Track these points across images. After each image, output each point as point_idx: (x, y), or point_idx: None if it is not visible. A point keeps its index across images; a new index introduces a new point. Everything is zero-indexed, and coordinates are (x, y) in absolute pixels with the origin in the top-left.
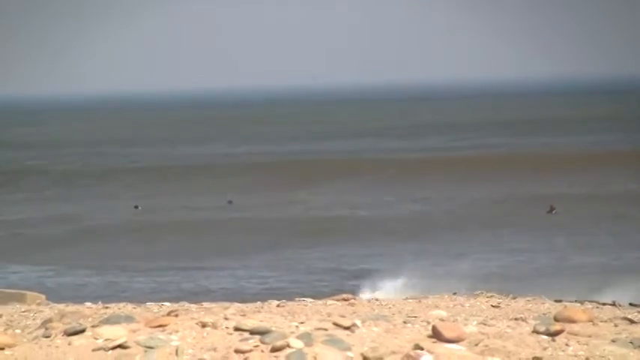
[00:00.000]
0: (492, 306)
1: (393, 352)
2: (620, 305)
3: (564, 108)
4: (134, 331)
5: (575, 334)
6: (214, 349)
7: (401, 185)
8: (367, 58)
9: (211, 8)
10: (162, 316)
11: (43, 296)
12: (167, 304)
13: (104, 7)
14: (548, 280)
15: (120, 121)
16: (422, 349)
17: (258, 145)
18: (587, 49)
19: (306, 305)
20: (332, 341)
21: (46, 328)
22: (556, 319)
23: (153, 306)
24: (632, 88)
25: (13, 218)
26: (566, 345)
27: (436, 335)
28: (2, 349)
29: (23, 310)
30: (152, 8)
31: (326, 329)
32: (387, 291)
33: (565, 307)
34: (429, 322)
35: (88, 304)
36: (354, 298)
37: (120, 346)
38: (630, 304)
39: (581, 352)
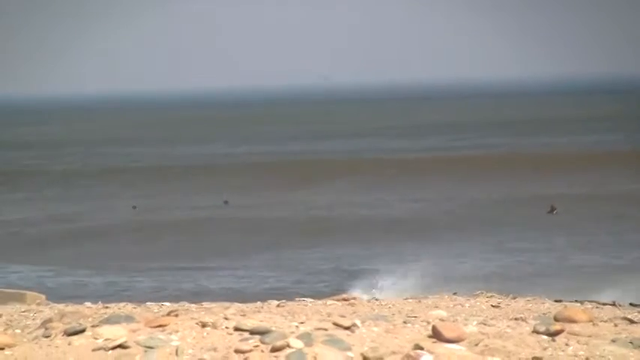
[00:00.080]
0: (492, 306)
1: (393, 352)
2: (620, 305)
3: (565, 108)
4: (134, 331)
5: (575, 334)
6: (214, 349)
7: (401, 185)
8: (368, 58)
9: (211, 8)
10: (163, 316)
11: (43, 296)
12: (167, 304)
13: (104, 6)
14: (549, 280)
15: (120, 121)
16: (422, 349)
17: (258, 144)
18: (588, 48)
19: (306, 305)
20: (332, 341)
21: (46, 328)
22: (556, 319)
23: (153, 306)
24: (633, 88)
25: (12, 218)
26: (566, 345)
27: (436, 335)
28: (2, 349)
29: (23, 310)
30: (152, 8)
31: (326, 329)
32: (387, 291)
33: (565, 307)
34: (429, 322)
35: (88, 304)
36: (354, 298)
37: (120, 346)
38: (630, 304)
39: (581, 352)
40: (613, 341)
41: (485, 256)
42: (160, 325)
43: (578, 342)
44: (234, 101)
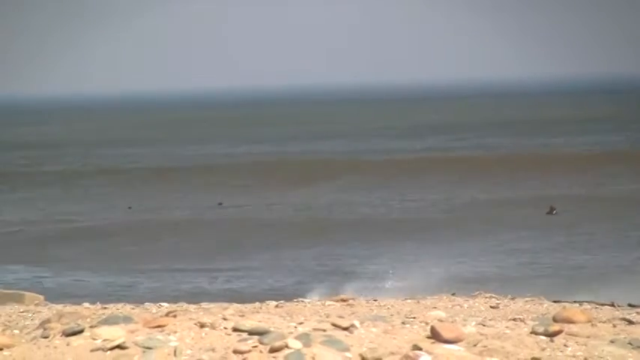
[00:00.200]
0: (491, 307)
1: (392, 353)
2: (619, 306)
3: (565, 108)
4: (132, 332)
5: (574, 335)
6: (213, 350)
7: (401, 185)
8: (367, 58)
9: (211, 8)
10: (161, 316)
11: (42, 297)
12: (165, 304)
13: (104, 7)
14: (547, 280)
15: (120, 121)
16: (420, 349)
17: (258, 144)
18: (588, 48)
19: (305, 306)
20: (330, 342)
21: (45, 329)
22: (555, 320)
23: (151, 306)
24: (633, 88)
25: (11, 218)
26: (565, 346)
27: (435, 336)
28: (1, 349)
29: (21, 310)
30: (152, 8)
31: (324, 330)
32: (386, 291)
33: (564, 307)
34: (427, 323)
35: (87, 304)
36: (353, 299)
37: (118, 347)
38: (629, 305)
39: (579, 353)
40: (612, 342)
41: (484, 257)
42: (158, 326)
43: (576, 343)
44: (234, 101)
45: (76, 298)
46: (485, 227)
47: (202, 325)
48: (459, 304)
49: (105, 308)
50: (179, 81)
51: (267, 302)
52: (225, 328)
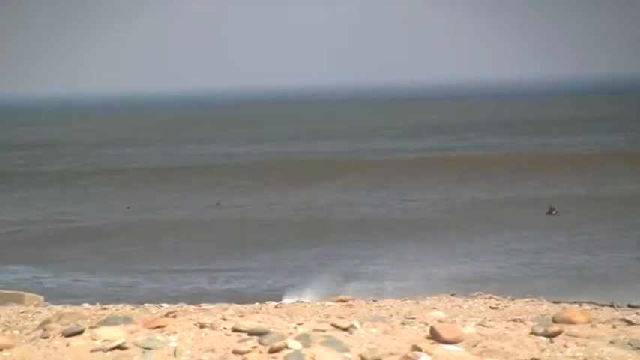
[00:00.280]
0: (490, 307)
1: (391, 354)
2: (618, 306)
3: (564, 108)
4: (132, 332)
5: (574, 336)
6: (212, 350)
7: (401, 185)
8: (367, 58)
9: (211, 8)
10: (161, 317)
11: (42, 297)
12: (165, 305)
13: (104, 6)
14: (547, 281)
15: (119, 122)
16: (420, 350)
17: (258, 145)
18: (587, 49)
19: (305, 306)
20: (330, 342)
21: (45, 329)
22: (554, 321)
23: (151, 307)
24: (633, 88)
25: (10, 218)
26: (564, 346)
27: (434, 336)
28: (1, 350)
29: (22, 311)
30: (152, 8)
31: (324, 330)
32: (386, 292)
33: (563, 308)
34: (427, 324)
35: (87, 305)
36: (353, 299)
37: (118, 347)
38: (629, 306)
39: (579, 354)
40: (611, 342)
41: (484, 257)
42: (158, 326)
43: (576, 343)
44: (234, 101)
45: (75, 298)
46: (485, 227)
47: (202, 326)
48: (458, 305)
49: (105, 309)
50: (179, 81)
51: (267, 302)
52: (225, 328)
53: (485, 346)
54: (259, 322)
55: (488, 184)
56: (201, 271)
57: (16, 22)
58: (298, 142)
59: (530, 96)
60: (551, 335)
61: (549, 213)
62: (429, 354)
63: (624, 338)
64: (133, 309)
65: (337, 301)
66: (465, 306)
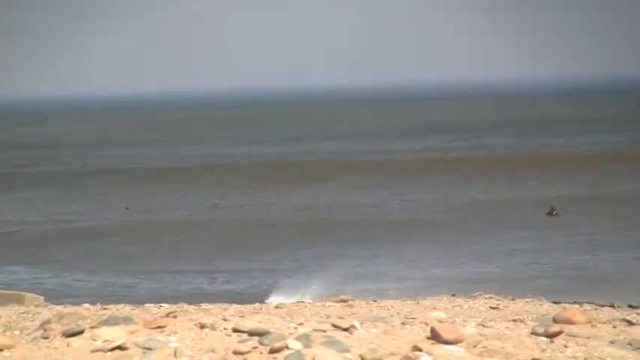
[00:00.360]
0: (491, 307)
1: (392, 354)
2: (618, 307)
3: (564, 108)
4: (132, 333)
5: (574, 336)
6: (213, 351)
7: (401, 185)
8: (367, 58)
9: (211, 8)
10: (161, 317)
11: (42, 297)
12: (165, 305)
13: (103, 6)
14: (547, 281)
15: (119, 122)
16: (420, 350)
17: (258, 145)
18: (587, 49)
19: (305, 306)
20: (330, 343)
21: (45, 330)
22: (555, 321)
23: (151, 307)
24: (632, 88)
25: (10, 218)
26: (565, 346)
27: (435, 337)
28: (1, 350)
29: (22, 311)
30: (152, 8)
31: (324, 331)
32: (386, 292)
33: (564, 308)
34: (427, 324)
35: (87, 305)
36: (353, 300)
37: (118, 348)
38: (629, 306)
39: (579, 354)
40: (611, 343)
41: (484, 257)
42: (158, 327)
43: (576, 343)
44: (234, 102)
45: (76, 298)
46: (485, 227)
47: (202, 326)
48: (458, 305)
49: (105, 309)
50: (179, 82)
51: (267, 303)
52: (226, 328)
53: (485, 347)
54: (260, 322)
55: (488, 184)
56: (201, 272)
57: (15, 22)
58: (298, 143)
59: (530, 96)
60: (551, 335)
61: (549, 213)
62: (430, 354)
63: (625, 338)
64: (133, 309)
65: (337, 302)
66: (466, 306)
